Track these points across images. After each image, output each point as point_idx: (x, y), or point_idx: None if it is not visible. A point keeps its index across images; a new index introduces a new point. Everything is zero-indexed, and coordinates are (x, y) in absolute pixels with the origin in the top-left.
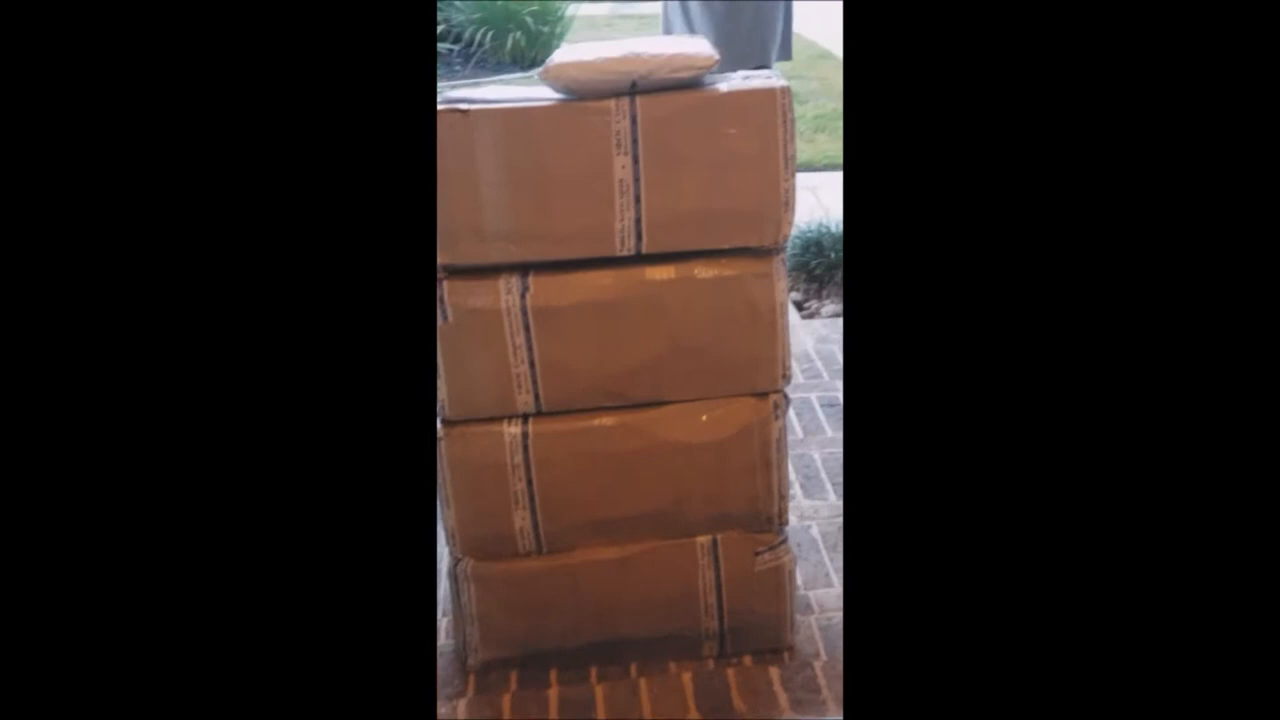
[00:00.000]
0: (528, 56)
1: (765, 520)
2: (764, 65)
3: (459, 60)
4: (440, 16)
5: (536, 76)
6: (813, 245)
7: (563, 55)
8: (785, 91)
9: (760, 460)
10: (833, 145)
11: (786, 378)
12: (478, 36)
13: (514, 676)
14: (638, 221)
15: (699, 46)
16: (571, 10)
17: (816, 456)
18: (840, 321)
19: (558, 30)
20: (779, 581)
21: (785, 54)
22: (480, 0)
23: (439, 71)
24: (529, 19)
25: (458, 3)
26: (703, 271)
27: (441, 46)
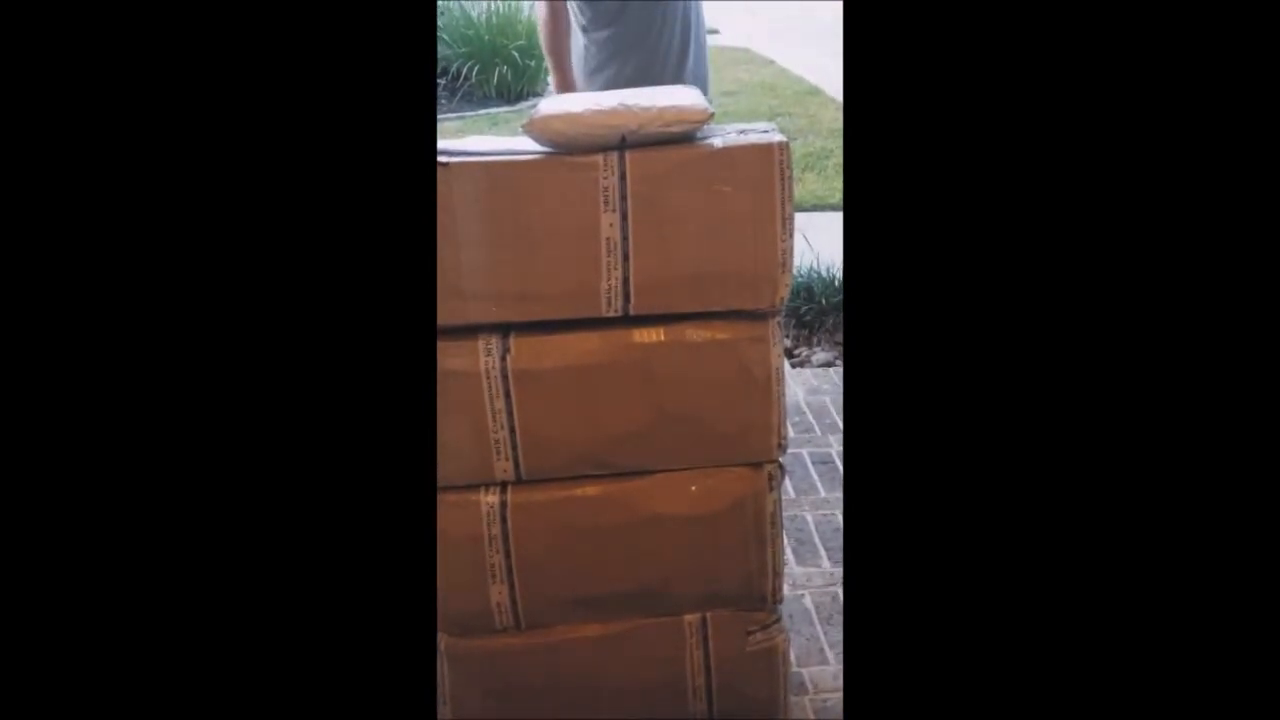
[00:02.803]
0: (514, 90)
1: (758, 598)
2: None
3: (445, 94)
4: None
5: (520, 128)
6: (802, 290)
7: (548, 107)
8: (783, 147)
9: (754, 535)
10: (821, 185)
11: (782, 447)
12: (464, 70)
13: None
14: (625, 281)
15: (692, 99)
16: None
17: (809, 518)
18: (832, 371)
19: (543, 64)
20: (772, 663)
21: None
22: (467, 34)
23: None
24: (515, 53)
25: (444, 37)
26: (694, 334)
27: None
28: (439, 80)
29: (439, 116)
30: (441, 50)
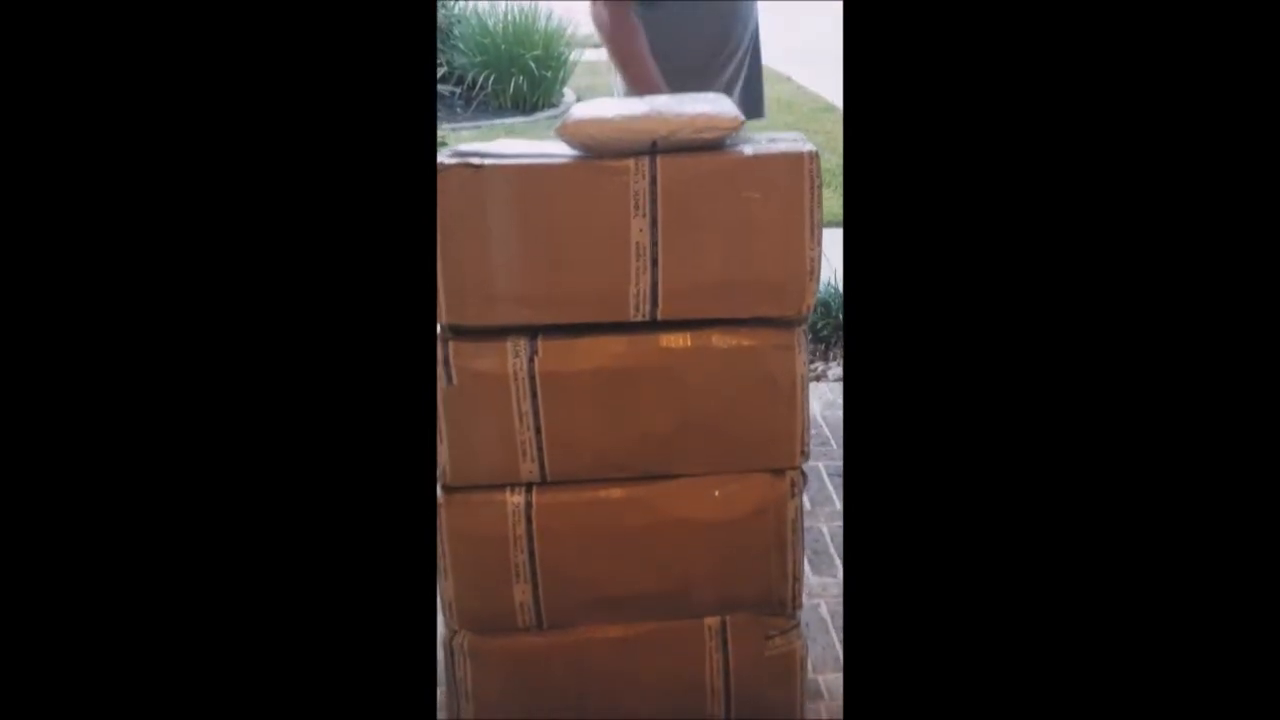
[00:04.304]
0: (530, 101)
1: (778, 603)
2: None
3: (460, 103)
4: (442, 59)
5: (553, 133)
6: (819, 305)
7: (581, 111)
8: (813, 156)
9: (775, 541)
10: (837, 201)
11: (805, 454)
12: (480, 79)
13: None
14: (654, 286)
15: (724, 107)
16: (574, 55)
17: (825, 530)
18: None
19: (560, 75)
20: (790, 668)
21: (757, 112)
22: (483, 42)
23: (440, 114)
24: (532, 63)
25: (460, 45)
26: (720, 341)
27: (443, 89)
28: (455, 88)
29: (455, 126)
30: (457, 59)
